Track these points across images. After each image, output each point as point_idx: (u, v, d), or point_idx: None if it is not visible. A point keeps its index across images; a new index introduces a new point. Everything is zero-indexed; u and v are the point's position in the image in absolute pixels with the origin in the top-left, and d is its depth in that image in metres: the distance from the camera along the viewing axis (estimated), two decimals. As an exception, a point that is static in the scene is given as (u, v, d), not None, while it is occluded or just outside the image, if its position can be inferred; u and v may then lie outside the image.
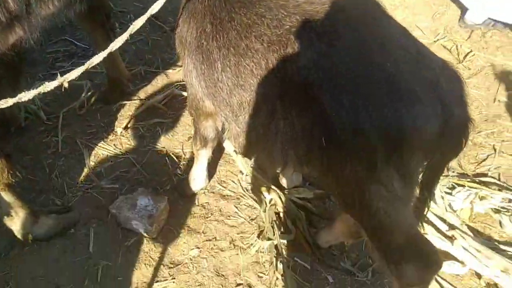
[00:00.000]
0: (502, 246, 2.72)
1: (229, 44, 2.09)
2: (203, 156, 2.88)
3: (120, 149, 3.37)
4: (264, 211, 2.86)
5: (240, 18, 2.08)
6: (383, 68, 1.64)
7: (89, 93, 3.68)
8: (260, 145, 2.13)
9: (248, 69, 2.02)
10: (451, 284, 2.58)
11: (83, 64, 2.00)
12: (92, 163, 3.25)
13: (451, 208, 2.91)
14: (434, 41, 4.56)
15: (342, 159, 1.76)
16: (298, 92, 1.81)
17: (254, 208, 2.99)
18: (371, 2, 1.92)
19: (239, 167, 3.20)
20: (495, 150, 3.45)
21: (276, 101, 1.92)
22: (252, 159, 3.04)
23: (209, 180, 3.13)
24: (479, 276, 2.61)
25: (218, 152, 3.24)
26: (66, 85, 2.05)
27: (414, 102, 1.60)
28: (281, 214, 2.86)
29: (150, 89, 3.91)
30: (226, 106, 2.22)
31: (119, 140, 3.43)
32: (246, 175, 3.11)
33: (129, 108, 3.70)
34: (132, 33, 2.13)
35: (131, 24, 2.06)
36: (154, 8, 2.16)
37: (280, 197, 2.92)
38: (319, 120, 1.76)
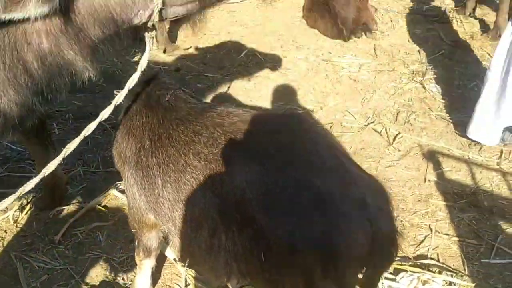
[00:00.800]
0: (448, 331, 2.79)
1: (168, 160, 2.14)
2: (147, 265, 2.80)
3: (58, 259, 3.20)
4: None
5: (178, 135, 2.15)
6: (312, 188, 1.73)
7: (24, 201, 3.54)
8: (203, 258, 2.13)
9: (188, 185, 2.06)
10: None
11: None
12: (27, 278, 3.05)
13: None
14: (365, 125, 4.84)
15: (281, 273, 1.80)
16: (236, 209, 1.87)
17: (201, 312, 2.90)
18: (301, 121, 2.06)
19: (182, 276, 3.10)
20: (431, 230, 3.60)
21: (217, 217, 1.95)
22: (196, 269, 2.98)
23: (154, 286, 3.03)
24: None
25: (162, 254, 3.16)
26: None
27: (343, 221, 1.69)
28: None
29: (89, 190, 3.81)
30: (168, 221, 2.22)
31: (56, 250, 3.27)
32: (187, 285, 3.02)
33: (68, 213, 3.58)
34: (66, 154, 2.11)
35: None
36: (89, 129, 2.16)
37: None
38: (257, 237, 1.81)
